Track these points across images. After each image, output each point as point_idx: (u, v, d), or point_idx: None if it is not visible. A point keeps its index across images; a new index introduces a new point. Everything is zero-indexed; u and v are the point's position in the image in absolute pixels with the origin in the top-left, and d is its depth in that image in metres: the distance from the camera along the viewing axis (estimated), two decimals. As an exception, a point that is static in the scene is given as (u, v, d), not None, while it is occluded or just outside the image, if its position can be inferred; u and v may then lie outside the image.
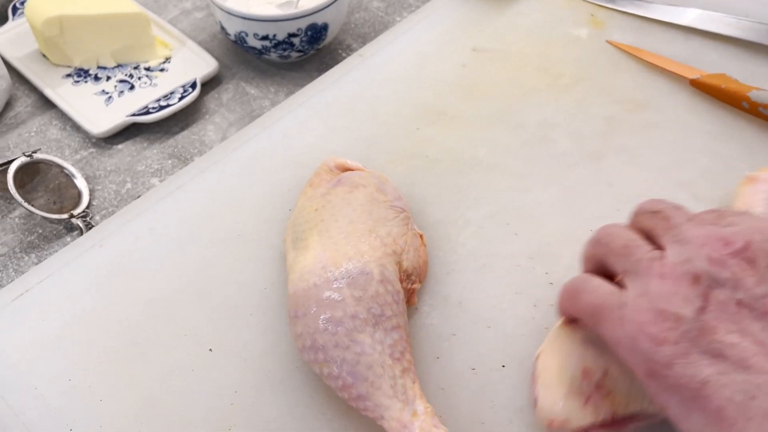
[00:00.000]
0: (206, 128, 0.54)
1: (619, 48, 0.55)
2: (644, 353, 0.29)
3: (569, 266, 0.41)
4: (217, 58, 0.58)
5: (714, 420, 0.27)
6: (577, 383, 0.34)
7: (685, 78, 0.52)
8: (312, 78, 0.55)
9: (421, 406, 0.34)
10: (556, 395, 0.34)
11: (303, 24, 0.54)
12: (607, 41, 0.56)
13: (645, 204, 0.34)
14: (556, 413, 0.34)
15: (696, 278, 0.29)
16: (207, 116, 0.55)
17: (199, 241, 0.43)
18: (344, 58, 0.57)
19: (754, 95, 0.49)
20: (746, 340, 0.27)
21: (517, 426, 0.35)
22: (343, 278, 0.36)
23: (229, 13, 0.53)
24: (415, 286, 0.40)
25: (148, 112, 0.52)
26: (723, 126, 0.49)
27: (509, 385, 0.37)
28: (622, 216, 0.44)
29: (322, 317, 0.35)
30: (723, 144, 0.48)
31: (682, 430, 0.29)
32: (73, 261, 0.42)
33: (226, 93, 0.57)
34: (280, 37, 0.54)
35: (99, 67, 0.57)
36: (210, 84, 0.57)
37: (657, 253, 0.31)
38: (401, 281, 0.39)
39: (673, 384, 0.28)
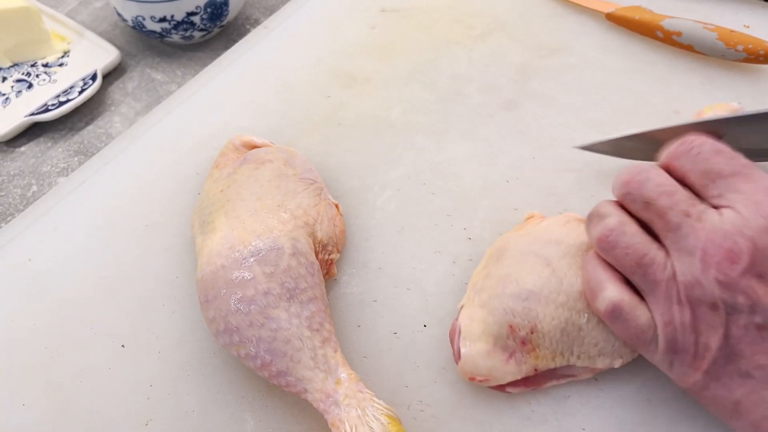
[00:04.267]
0: (112, 120, 0.52)
1: (530, -7, 0.54)
2: (680, 377, 0.31)
3: (486, 219, 0.41)
4: (119, 47, 0.55)
5: (753, 429, 0.29)
6: (503, 340, 0.33)
7: (600, 14, 0.51)
8: (220, 56, 0.53)
9: (344, 373, 0.33)
10: (479, 351, 0.33)
11: (201, 1, 0.51)
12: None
13: (628, 186, 0.31)
14: (478, 370, 0.33)
15: (713, 306, 0.29)
16: (112, 108, 0.53)
17: (106, 236, 0.41)
18: (250, 32, 0.55)
19: (667, 24, 0.48)
20: None
21: (441, 386, 0.35)
22: (252, 256, 0.35)
23: (123, -3, 0.51)
24: (333, 256, 0.39)
25: (47, 110, 0.50)
26: (637, 62, 0.49)
27: (431, 345, 0.36)
28: (537, 164, 0.43)
29: (233, 298, 0.34)
30: (637, 80, 0.48)
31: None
32: (-27, 271, 0.40)
33: (131, 82, 0.54)
34: (179, 17, 0.52)
35: (-7, 68, 0.54)
36: (114, 74, 0.55)
37: (669, 271, 0.30)
38: (317, 253, 0.38)
39: (710, 400, 0.30)
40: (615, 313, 0.31)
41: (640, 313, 0.31)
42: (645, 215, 0.31)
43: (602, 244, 0.32)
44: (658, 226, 0.31)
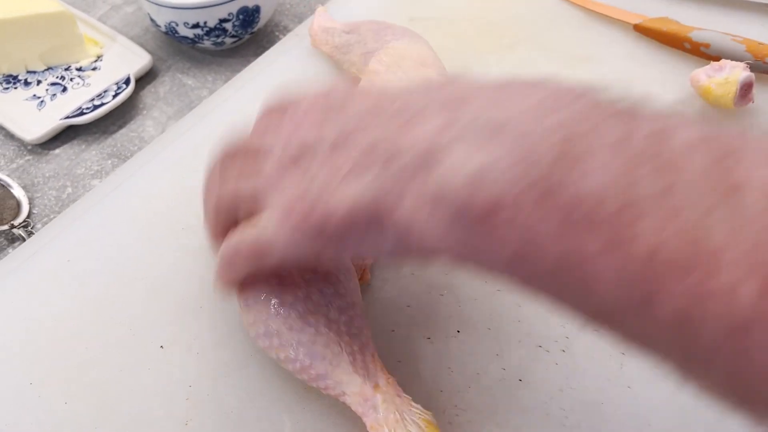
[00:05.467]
0: (145, 124, 0.53)
1: None
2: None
3: (519, 226, 0.41)
4: (151, 52, 0.56)
5: None
6: None
7: (628, 25, 0.52)
8: (249, 63, 0.53)
9: (382, 378, 0.33)
10: None
11: (234, 8, 0.52)
12: (546, -4, 0.55)
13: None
14: None
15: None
16: (145, 112, 0.53)
17: (143, 238, 0.42)
18: (281, 39, 0.56)
19: (695, 35, 0.49)
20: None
21: (475, 391, 0.35)
22: (290, 261, 0.35)
23: (157, 4, 0.52)
24: (367, 261, 0.40)
25: (82, 113, 0.51)
26: (665, 72, 0.49)
27: (465, 351, 0.37)
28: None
29: (273, 302, 0.34)
30: (665, 90, 0.48)
31: None
32: (14, 271, 0.41)
33: (162, 86, 0.55)
34: (212, 23, 0.53)
35: (28, 72, 0.55)
36: (146, 78, 0.55)
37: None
38: (351, 258, 0.38)
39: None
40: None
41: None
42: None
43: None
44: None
